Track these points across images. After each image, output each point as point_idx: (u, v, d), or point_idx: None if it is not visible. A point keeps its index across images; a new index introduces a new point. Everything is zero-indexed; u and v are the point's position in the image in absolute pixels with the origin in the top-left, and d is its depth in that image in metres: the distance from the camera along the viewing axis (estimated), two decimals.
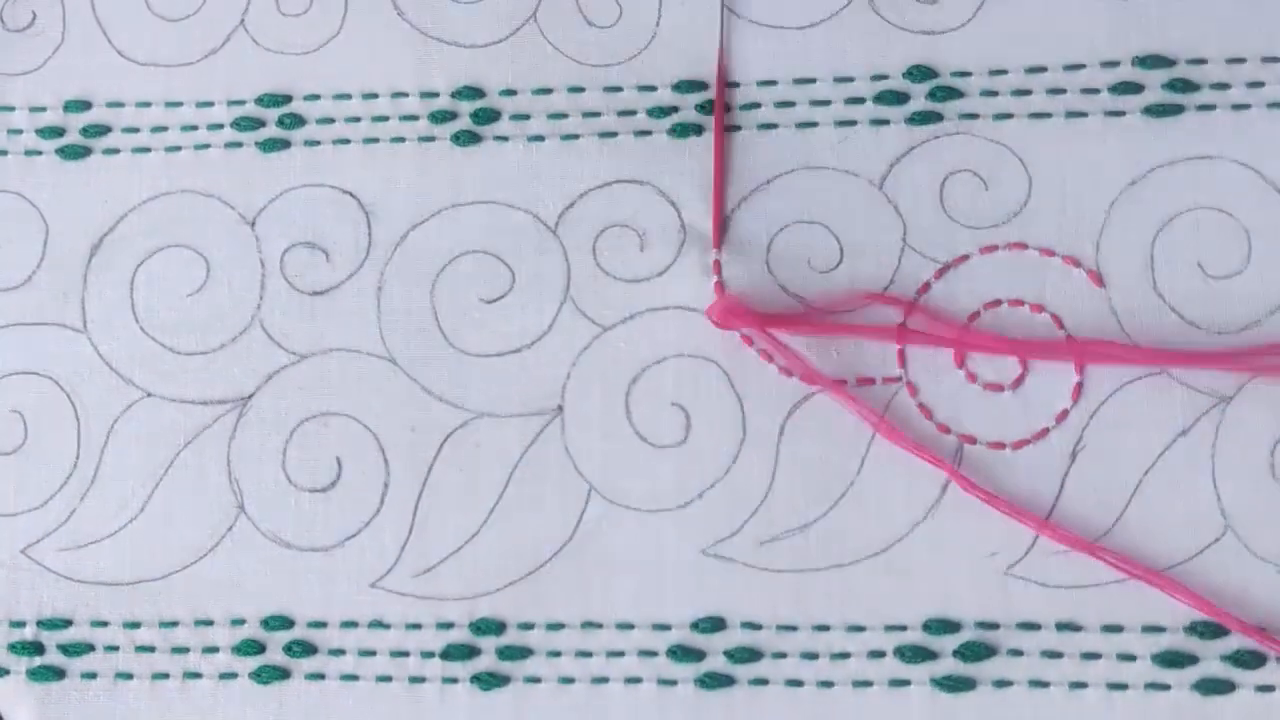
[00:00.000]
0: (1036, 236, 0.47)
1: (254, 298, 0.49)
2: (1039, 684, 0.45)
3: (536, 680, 0.46)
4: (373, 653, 0.47)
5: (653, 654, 0.46)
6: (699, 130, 0.49)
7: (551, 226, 0.49)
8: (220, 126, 0.50)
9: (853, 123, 0.49)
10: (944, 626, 0.45)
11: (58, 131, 0.51)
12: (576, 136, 0.49)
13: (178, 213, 0.50)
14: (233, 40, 0.51)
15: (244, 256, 0.49)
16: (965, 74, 0.49)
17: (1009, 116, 0.48)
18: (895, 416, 0.46)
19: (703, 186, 0.48)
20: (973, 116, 0.48)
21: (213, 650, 0.47)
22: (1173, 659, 0.45)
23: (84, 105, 0.51)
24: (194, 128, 0.51)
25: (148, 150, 0.50)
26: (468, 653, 0.46)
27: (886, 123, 0.48)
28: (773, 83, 0.49)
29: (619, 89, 0.49)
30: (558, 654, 0.46)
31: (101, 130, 0.51)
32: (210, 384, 0.49)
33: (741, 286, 0.48)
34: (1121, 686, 0.45)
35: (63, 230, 0.50)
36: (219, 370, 0.49)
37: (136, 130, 0.51)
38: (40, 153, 0.51)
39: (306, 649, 0.47)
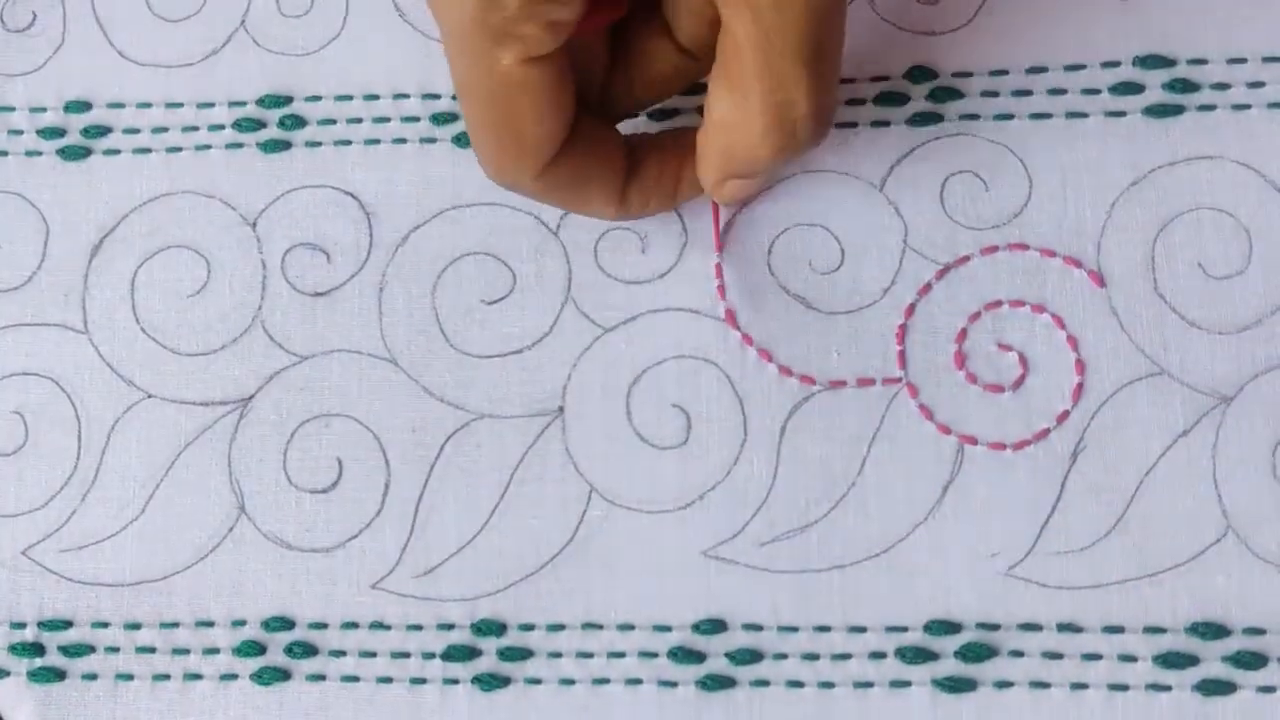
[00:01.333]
0: (1037, 237, 0.47)
1: (255, 299, 0.49)
2: (1040, 685, 0.45)
3: (537, 681, 0.46)
4: (373, 654, 0.47)
5: (653, 655, 0.46)
6: None
7: (553, 228, 0.49)
8: (221, 127, 0.50)
9: (853, 124, 0.49)
10: (945, 627, 0.45)
11: (58, 132, 0.51)
12: None
13: (179, 214, 0.50)
14: (233, 41, 0.51)
15: (245, 257, 0.49)
16: (966, 74, 0.49)
17: (1010, 117, 0.48)
18: (896, 417, 0.46)
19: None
20: (973, 117, 0.48)
21: (213, 651, 0.47)
22: (1174, 660, 0.45)
23: (84, 106, 0.51)
24: (195, 129, 0.51)
25: (148, 151, 0.50)
26: (468, 654, 0.46)
27: (887, 124, 0.48)
28: None
29: None
30: (558, 655, 0.46)
31: (102, 131, 0.51)
32: (211, 385, 0.49)
33: (742, 288, 0.48)
34: (1123, 687, 0.45)
35: (63, 231, 0.50)
36: (220, 371, 0.49)
37: (137, 131, 0.51)
38: (41, 153, 0.51)
39: (307, 650, 0.47)
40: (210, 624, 0.47)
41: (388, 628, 0.47)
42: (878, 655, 0.45)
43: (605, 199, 0.45)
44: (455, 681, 0.46)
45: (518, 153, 0.42)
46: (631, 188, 0.45)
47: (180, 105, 0.51)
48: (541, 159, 0.42)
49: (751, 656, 0.46)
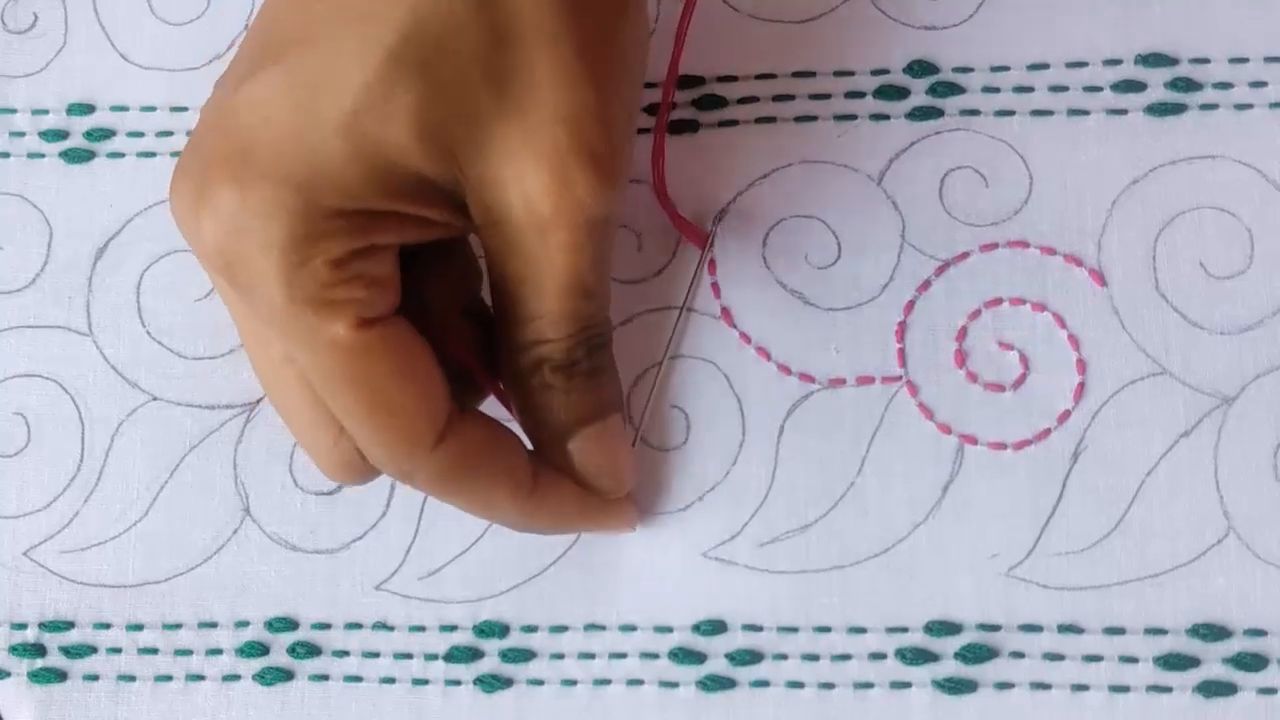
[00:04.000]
0: (1037, 235, 0.47)
1: None
2: (1041, 686, 0.45)
3: (539, 682, 0.46)
4: (376, 654, 0.47)
5: (654, 656, 0.46)
6: (695, 127, 0.49)
7: None
8: None
9: (852, 117, 0.48)
10: (945, 628, 0.45)
11: (61, 134, 0.51)
12: None
13: None
14: (237, 45, 0.51)
15: None
16: (966, 70, 0.48)
17: (1010, 113, 0.48)
18: (895, 416, 0.46)
19: (699, 184, 0.48)
20: (974, 113, 0.48)
21: (216, 652, 0.47)
22: (1175, 661, 0.44)
23: (87, 109, 0.51)
24: None
25: (153, 155, 0.50)
26: (471, 655, 0.47)
27: (886, 117, 0.48)
28: (772, 76, 0.49)
29: None
30: (560, 656, 0.46)
31: (105, 134, 0.51)
32: (218, 388, 0.49)
33: (737, 282, 0.47)
34: (1123, 689, 0.44)
35: (67, 233, 0.50)
36: (226, 375, 0.49)
37: (141, 135, 0.51)
38: (43, 155, 0.51)
39: (310, 650, 0.47)
40: (213, 625, 0.47)
41: (391, 629, 0.47)
42: (878, 656, 0.45)
43: (515, 480, 0.42)
44: (458, 683, 0.46)
45: (401, 427, 0.39)
46: (544, 471, 0.43)
47: (185, 110, 0.51)
48: (432, 427, 0.39)
49: (751, 657, 0.46)
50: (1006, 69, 0.48)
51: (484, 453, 0.41)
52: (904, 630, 0.45)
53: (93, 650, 0.47)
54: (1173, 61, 0.48)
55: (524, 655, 0.46)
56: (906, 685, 0.45)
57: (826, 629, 0.46)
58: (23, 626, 0.48)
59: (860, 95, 0.49)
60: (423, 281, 0.41)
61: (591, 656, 0.46)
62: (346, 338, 0.38)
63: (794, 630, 0.46)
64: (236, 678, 0.47)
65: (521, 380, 0.41)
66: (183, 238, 0.39)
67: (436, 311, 0.41)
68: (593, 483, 0.43)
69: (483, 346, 0.43)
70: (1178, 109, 0.47)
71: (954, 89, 0.48)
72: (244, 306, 0.40)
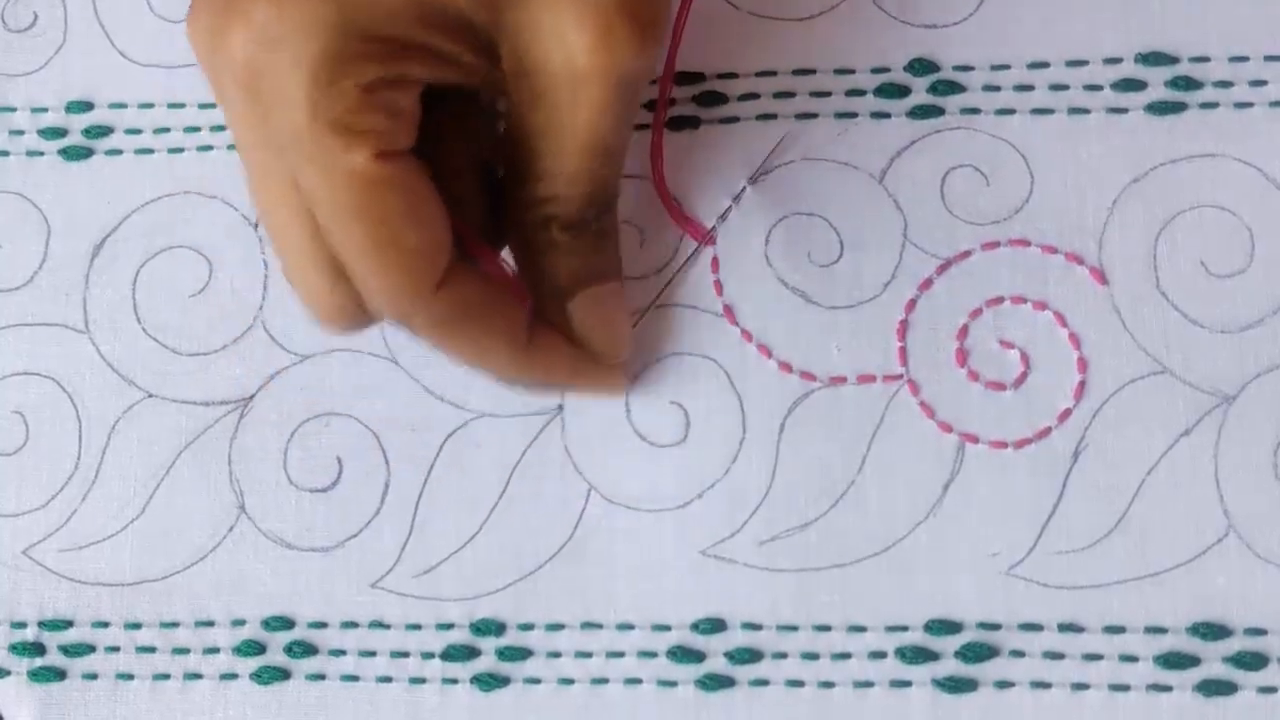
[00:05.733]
0: (1038, 233, 0.47)
1: (256, 298, 0.49)
2: (1041, 685, 0.45)
3: (536, 681, 0.46)
4: (373, 653, 0.47)
5: (652, 655, 0.46)
6: (696, 123, 0.49)
7: None
8: (223, 128, 0.50)
9: (853, 115, 0.48)
10: (945, 627, 0.45)
11: (60, 132, 0.51)
12: None
13: (180, 214, 0.50)
14: None
15: (247, 257, 0.49)
16: (967, 68, 0.48)
17: (1011, 112, 0.48)
18: (896, 415, 0.46)
19: (700, 180, 0.48)
20: (974, 111, 0.48)
21: (213, 651, 0.47)
22: (1175, 660, 0.44)
23: (86, 106, 0.51)
24: (197, 129, 0.51)
25: (151, 151, 0.50)
26: (468, 653, 0.46)
27: (887, 115, 0.48)
28: (772, 73, 0.49)
29: None
30: (557, 655, 0.46)
31: (104, 131, 0.51)
32: (212, 384, 0.49)
33: (739, 280, 0.47)
34: (1124, 688, 0.44)
35: (65, 231, 0.50)
36: (221, 371, 0.49)
37: (139, 131, 0.51)
38: (42, 153, 0.51)
39: (307, 649, 0.47)
40: (210, 623, 0.47)
41: (387, 627, 0.47)
42: (878, 655, 0.45)
43: (512, 331, 0.42)
44: (454, 681, 0.46)
45: (406, 266, 0.39)
46: (539, 328, 0.43)
47: (182, 106, 0.51)
48: (434, 270, 0.39)
49: (751, 656, 0.46)
50: (1007, 67, 0.48)
51: (484, 302, 0.41)
52: (904, 629, 0.45)
53: (91, 649, 0.47)
54: (1173, 60, 0.48)
55: (521, 654, 0.46)
56: (906, 684, 0.45)
57: (826, 628, 0.46)
58: (22, 625, 0.48)
59: (861, 93, 0.48)
60: (439, 132, 0.41)
61: (589, 655, 0.46)
62: (364, 167, 0.37)
63: (794, 629, 0.46)
64: (234, 676, 0.47)
65: (528, 236, 0.42)
66: (199, 59, 0.38)
67: (449, 165, 0.41)
68: (589, 344, 0.44)
69: (490, 208, 0.43)
70: (1178, 108, 0.47)
71: (955, 87, 0.48)
72: (256, 131, 0.39)
